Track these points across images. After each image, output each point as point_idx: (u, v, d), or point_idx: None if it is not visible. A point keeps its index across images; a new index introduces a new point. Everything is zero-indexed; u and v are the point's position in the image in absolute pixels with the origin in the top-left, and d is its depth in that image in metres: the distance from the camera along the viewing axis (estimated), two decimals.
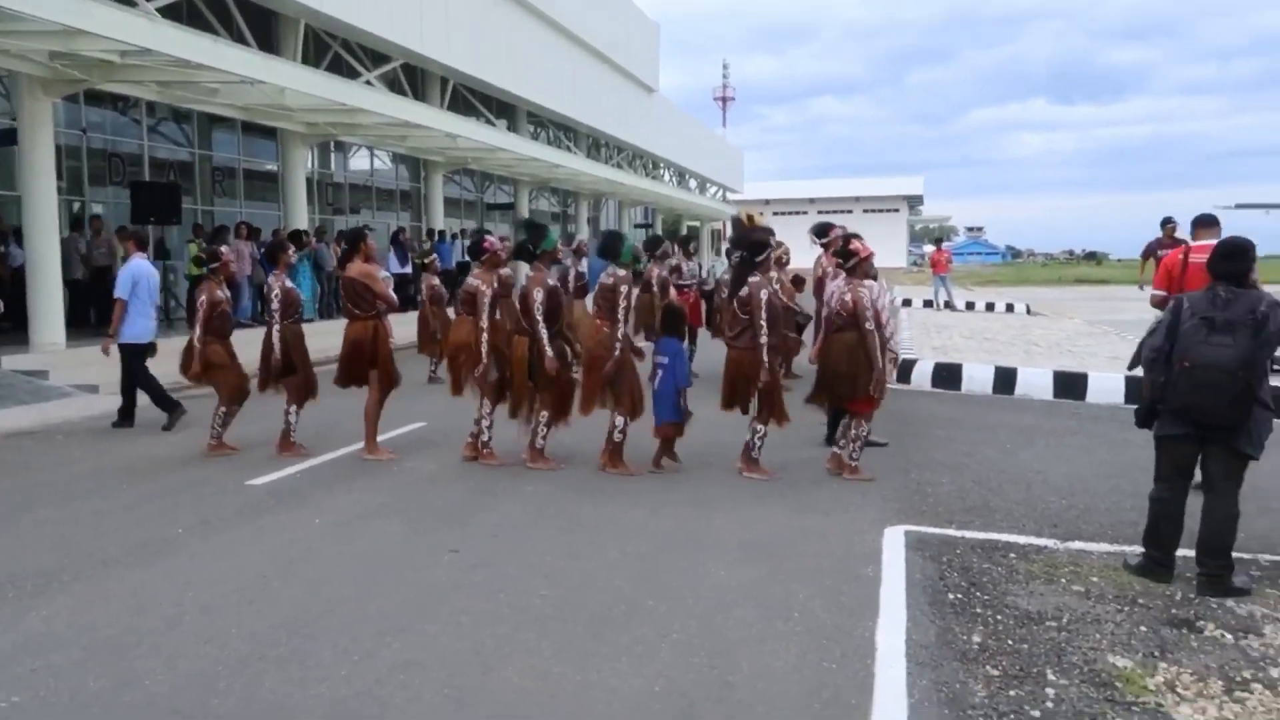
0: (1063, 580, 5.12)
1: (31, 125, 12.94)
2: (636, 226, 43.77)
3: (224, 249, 8.49)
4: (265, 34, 17.56)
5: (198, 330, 7.93)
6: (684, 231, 45.31)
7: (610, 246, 7.44)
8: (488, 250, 7.66)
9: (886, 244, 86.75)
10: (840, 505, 6.49)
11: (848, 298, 7.09)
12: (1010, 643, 4.29)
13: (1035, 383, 11.42)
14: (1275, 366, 5.27)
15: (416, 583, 4.95)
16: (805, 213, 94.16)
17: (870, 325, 6.97)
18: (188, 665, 3.96)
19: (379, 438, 7.93)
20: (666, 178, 46.34)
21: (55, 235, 13.45)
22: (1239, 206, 35.46)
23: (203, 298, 7.97)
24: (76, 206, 17.51)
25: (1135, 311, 18.26)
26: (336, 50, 18.84)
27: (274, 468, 7.46)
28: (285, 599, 4.73)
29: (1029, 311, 26.21)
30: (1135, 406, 5.30)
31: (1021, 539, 5.84)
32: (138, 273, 9.11)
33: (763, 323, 6.86)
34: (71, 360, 12.28)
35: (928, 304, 27.56)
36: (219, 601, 4.68)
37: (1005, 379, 11.57)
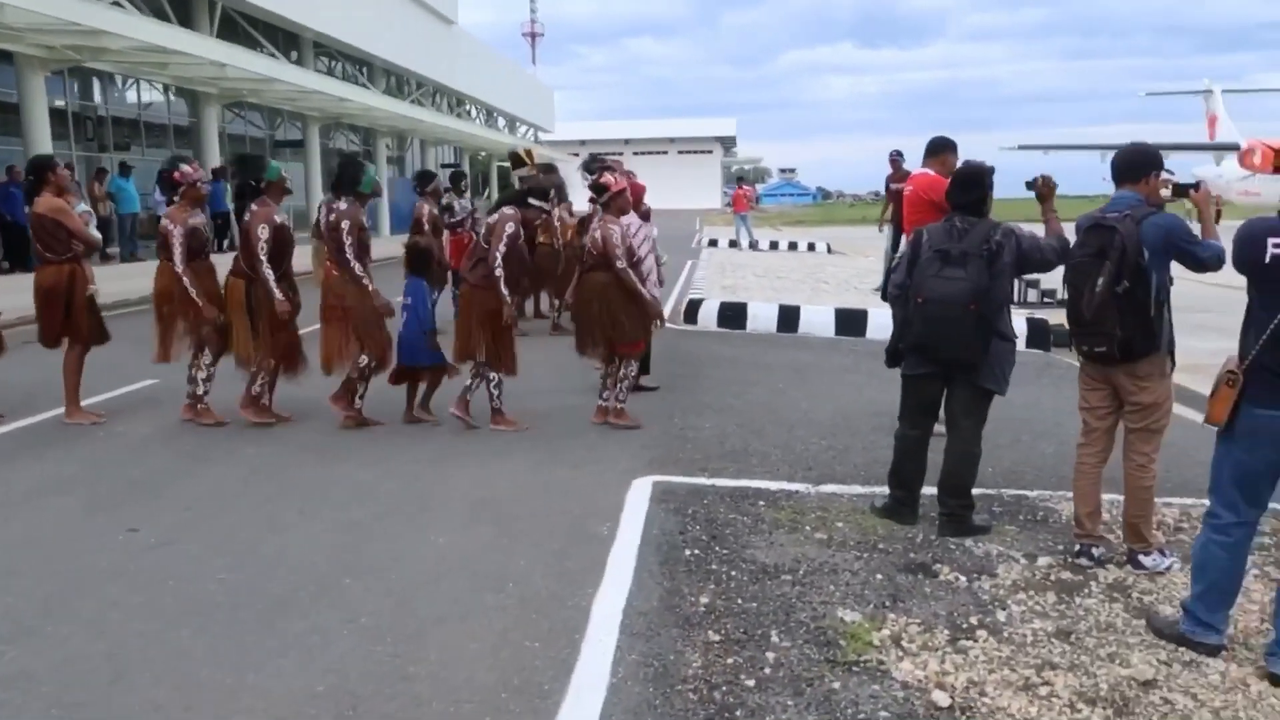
0: (807, 528, 4.86)
1: None
2: (444, 166, 42.25)
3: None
4: None
5: None
6: (494, 172, 44.19)
7: (347, 175, 6.66)
8: (181, 182, 6.74)
9: (702, 185, 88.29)
10: (593, 458, 6.06)
11: (597, 235, 6.61)
12: (739, 602, 3.96)
13: (818, 320, 11.36)
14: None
15: (67, 573, 4.20)
16: (621, 154, 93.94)
17: (621, 263, 6.51)
18: None
19: (94, 399, 6.95)
20: (475, 116, 44.91)
21: None
22: (1021, 148, 37.00)
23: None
24: None
25: None
26: None
27: None
28: None
29: (829, 250, 26.66)
30: None
31: (774, 484, 5.57)
32: None
33: (498, 252, 6.31)
34: None
35: (733, 244, 27.68)
36: None
37: (788, 317, 11.46)
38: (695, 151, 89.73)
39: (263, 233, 6.41)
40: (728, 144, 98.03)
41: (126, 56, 17.59)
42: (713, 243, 29.49)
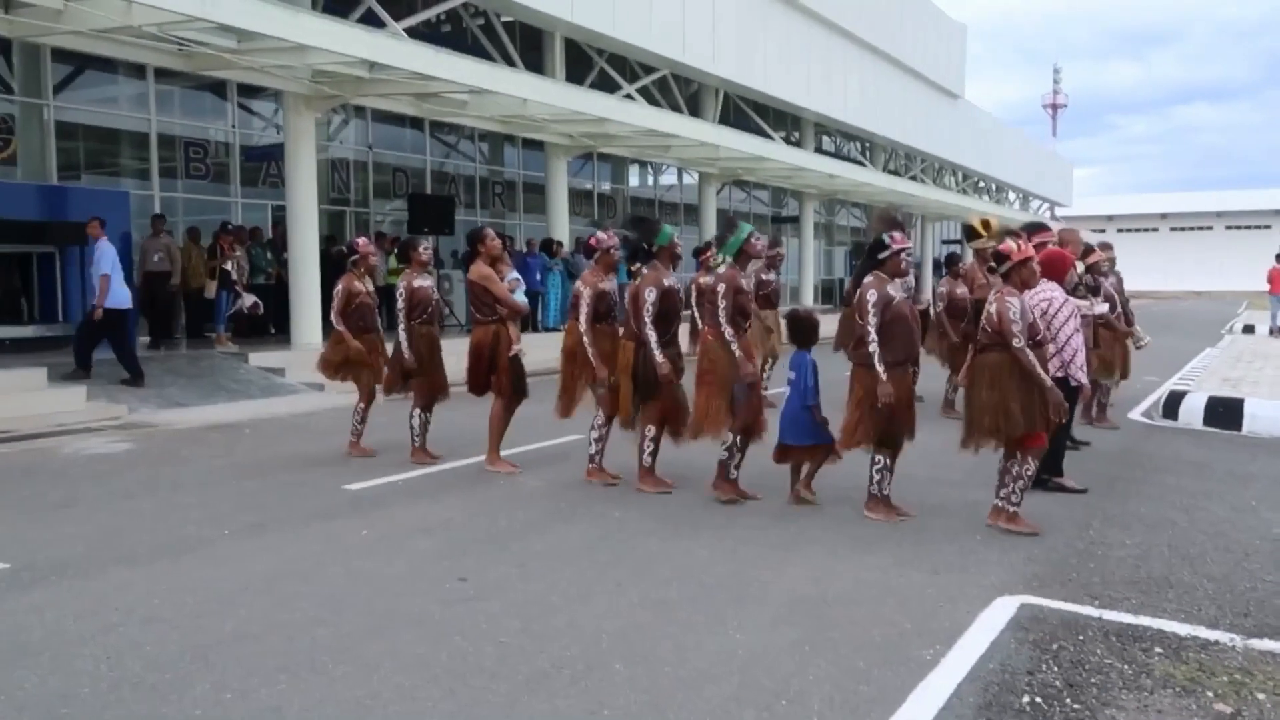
0: (1209, 694, 3.69)
1: (295, 140, 13.93)
2: (944, 243, 41.32)
3: (361, 240, 8.34)
4: (537, 53, 18.05)
5: (335, 320, 7.90)
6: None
7: (718, 237, 6.56)
8: (596, 248, 7.01)
9: (1257, 264, 76.96)
10: (960, 564, 5.21)
11: (992, 309, 5.75)
12: None
13: None
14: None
15: (378, 613, 4.38)
16: (1156, 229, 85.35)
17: (1019, 342, 5.59)
18: (60, 677, 3.63)
19: (520, 449, 7.49)
20: (982, 192, 43.44)
21: (315, 244, 14.36)
22: None
23: (339, 287, 7.92)
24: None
25: None
26: (602, 65, 18.99)
27: (388, 472, 7.24)
28: (236, 615, 4.33)
29: None
30: None
31: (1184, 629, 4.35)
32: (111, 251, 10.76)
33: (870, 327, 5.74)
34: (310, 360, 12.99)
35: (1275, 332, 23.52)
36: (168, 612, 4.36)
37: None
38: (1248, 226, 78.71)
39: (649, 295, 6.46)
40: None
41: (631, 141, 19.38)
42: (1248, 329, 25.42)
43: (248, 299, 13.73)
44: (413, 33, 14.23)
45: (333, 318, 7.93)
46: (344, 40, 11.76)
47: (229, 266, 13.40)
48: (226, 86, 15.96)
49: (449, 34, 18.66)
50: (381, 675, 3.72)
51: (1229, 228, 79.74)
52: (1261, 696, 3.69)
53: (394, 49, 12.62)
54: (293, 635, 4.10)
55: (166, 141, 15.59)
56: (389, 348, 7.83)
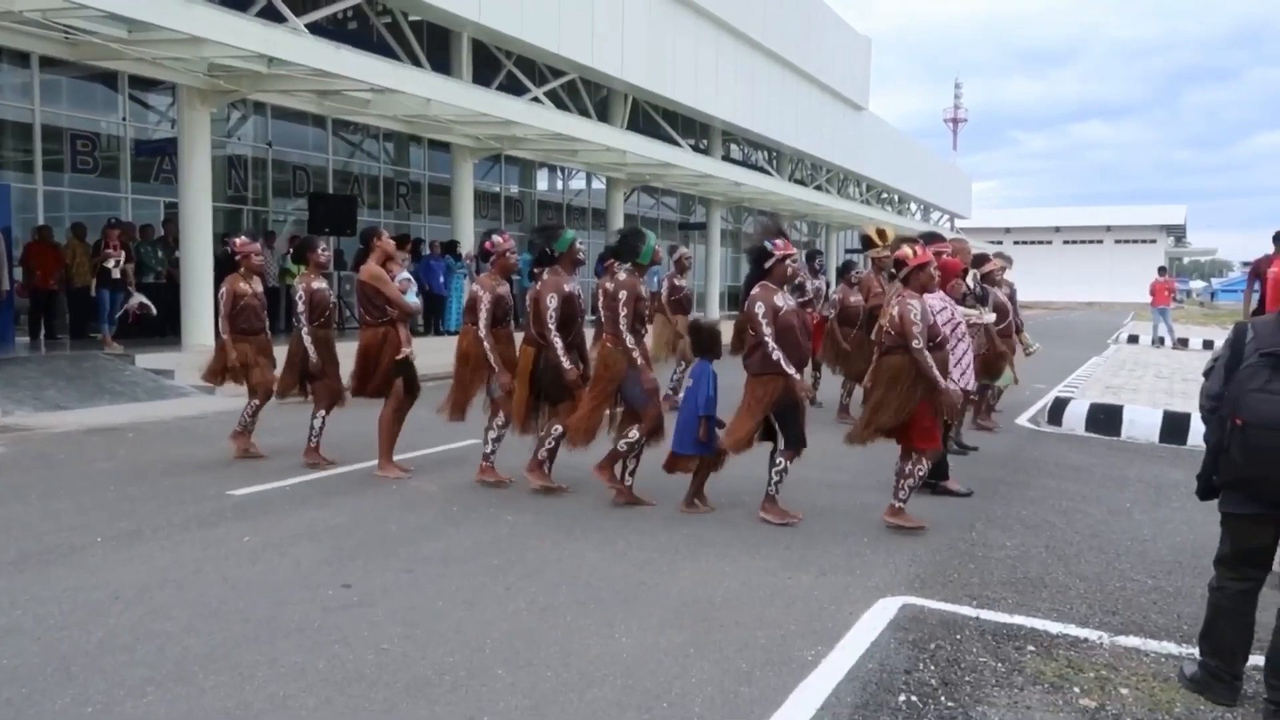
0: (1075, 690, 3.82)
1: (189, 135, 13.51)
2: (848, 252, 42.11)
3: (239, 240, 8.08)
4: (444, 54, 17.83)
5: (221, 325, 7.68)
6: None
7: (628, 245, 6.54)
8: (491, 251, 6.95)
9: (1142, 277, 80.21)
10: (847, 566, 5.30)
11: (895, 312, 5.89)
12: None
13: None
14: None
15: (256, 621, 4.25)
16: (1050, 242, 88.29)
17: (919, 344, 5.73)
18: None
19: (415, 454, 7.40)
20: (885, 203, 44.38)
21: (209, 243, 13.95)
22: None
23: (223, 290, 7.70)
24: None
25: None
26: (510, 68, 18.87)
27: (275, 478, 7.05)
28: (104, 625, 4.17)
29: None
30: None
31: (1056, 627, 4.50)
32: None
33: (767, 337, 5.82)
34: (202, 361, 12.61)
35: (1159, 342, 24.50)
36: (30, 624, 4.17)
37: (1175, 426, 9.69)
38: (1135, 241, 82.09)
39: (551, 302, 6.43)
40: (1176, 233, 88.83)
41: (540, 144, 19.30)
42: (1133, 339, 26.49)
43: (136, 299, 13.25)
44: (316, 29, 13.95)
45: (220, 323, 7.70)
46: (240, 33, 11.44)
47: (110, 265, 12.90)
48: (118, 78, 15.38)
49: (355, 31, 18.32)
50: (255, 685, 3.61)
51: (1118, 241, 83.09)
52: (1125, 691, 3.82)
53: (293, 44, 12.33)
54: (164, 645, 3.95)
55: (52, 134, 14.94)
56: (277, 348, 7.65)
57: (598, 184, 27.02)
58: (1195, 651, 3.99)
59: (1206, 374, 3.87)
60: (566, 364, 6.43)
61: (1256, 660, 3.82)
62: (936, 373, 5.77)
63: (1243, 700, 3.74)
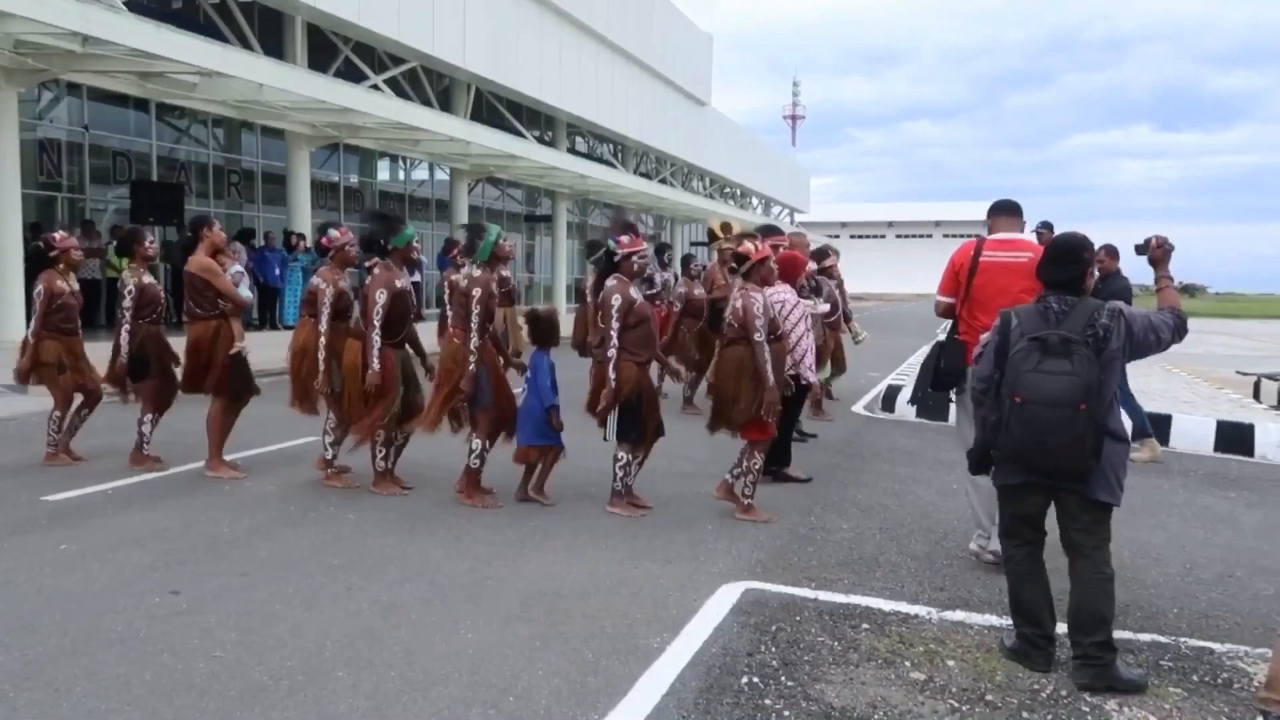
0: (906, 664, 3.99)
1: None
2: (693, 245, 42.80)
3: (58, 235, 7.58)
4: (277, 38, 17.16)
5: (34, 324, 7.16)
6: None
7: (468, 242, 6.44)
8: (329, 246, 6.75)
9: None
10: (692, 554, 5.39)
11: (738, 304, 6.01)
12: None
13: None
14: None
15: (76, 633, 3.99)
16: (883, 236, 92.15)
17: (759, 336, 5.86)
18: None
19: (251, 453, 7.05)
20: (727, 197, 45.29)
21: (18, 232, 13.05)
22: None
23: (39, 288, 7.19)
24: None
25: (1226, 344, 16.23)
26: (348, 54, 18.33)
27: (96, 481, 6.64)
28: None
29: None
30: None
31: (889, 605, 4.69)
32: None
33: (612, 331, 5.86)
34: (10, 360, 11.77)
35: None
36: None
37: None
38: (962, 235, 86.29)
39: (380, 297, 6.26)
40: None
41: (379, 133, 18.84)
42: None
43: None
44: (137, 7, 13.21)
45: (34, 322, 7.17)
46: (51, 9, 10.73)
47: None
48: None
49: (180, 11, 17.44)
50: (73, 700, 3.40)
51: (946, 235, 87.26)
52: (951, 663, 4.02)
53: (110, 22, 11.65)
54: None
55: None
56: (101, 344, 7.18)
57: (441, 175, 26.60)
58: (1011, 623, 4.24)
59: (976, 358, 4.15)
60: (375, 365, 6.25)
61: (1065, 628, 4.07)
62: (768, 368, 5.90)
63: (1056, 666, 3.99)
